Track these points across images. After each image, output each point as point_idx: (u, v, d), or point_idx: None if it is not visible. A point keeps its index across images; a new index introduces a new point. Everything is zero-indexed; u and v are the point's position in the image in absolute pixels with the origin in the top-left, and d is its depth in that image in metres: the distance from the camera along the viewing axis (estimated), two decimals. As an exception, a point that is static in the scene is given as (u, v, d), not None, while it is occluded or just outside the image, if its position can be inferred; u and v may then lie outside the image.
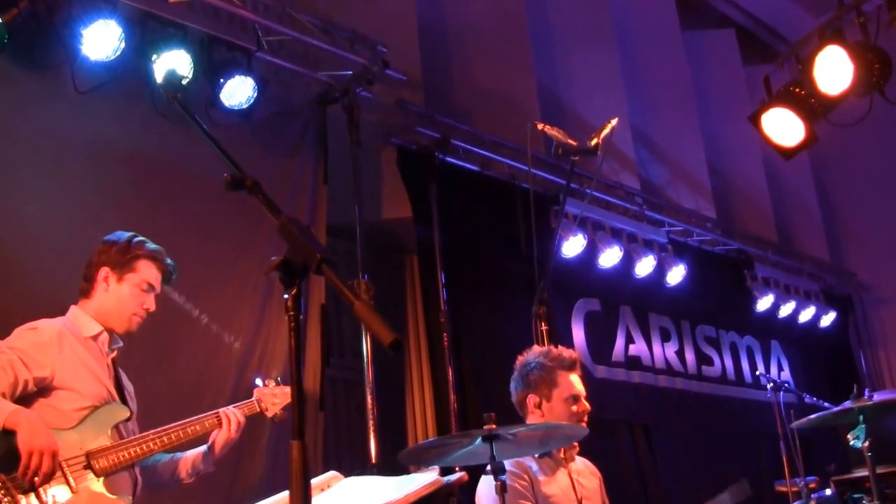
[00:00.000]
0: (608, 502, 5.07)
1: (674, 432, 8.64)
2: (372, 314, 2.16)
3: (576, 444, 4.94)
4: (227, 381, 5.60)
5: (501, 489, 3.77)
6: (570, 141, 5.39)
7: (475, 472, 5.01)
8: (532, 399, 4.84)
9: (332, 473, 2.81)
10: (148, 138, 5.40)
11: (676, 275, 8.75)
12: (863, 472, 5.62)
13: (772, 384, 6.89)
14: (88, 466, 3.86)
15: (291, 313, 2.14)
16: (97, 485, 3.87)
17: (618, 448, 7.81)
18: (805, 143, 6.77)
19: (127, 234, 4.24)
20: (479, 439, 3.82)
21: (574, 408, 4.78)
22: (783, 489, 6.91)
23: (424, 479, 2.58)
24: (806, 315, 10.39)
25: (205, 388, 5.50)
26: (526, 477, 4.65)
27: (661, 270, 8.67)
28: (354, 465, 6.15)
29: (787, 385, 7.16)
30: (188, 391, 5.42)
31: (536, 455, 4.76)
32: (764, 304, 9.80)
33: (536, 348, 5.06)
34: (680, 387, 8.81)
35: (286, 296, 2.13)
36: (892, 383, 11.43)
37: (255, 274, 5.85)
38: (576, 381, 4.85)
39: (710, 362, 9.32)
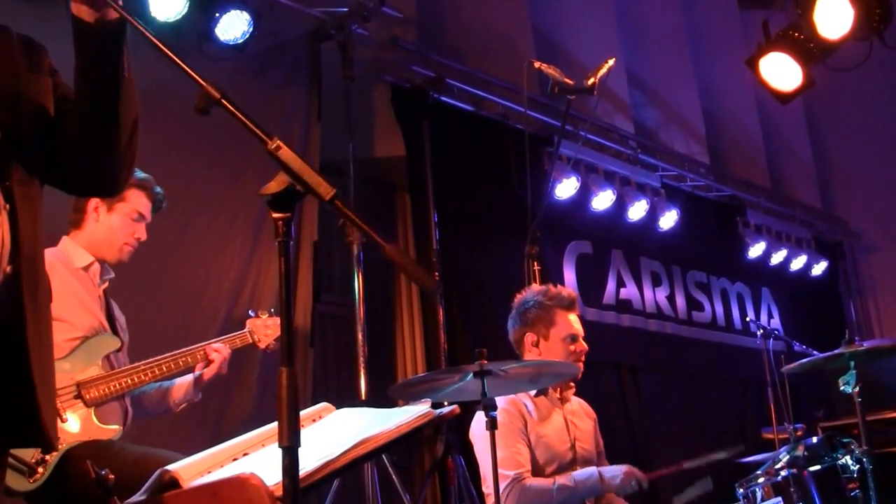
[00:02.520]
0: (602, 444, 5.08)
1: (662, 376, 8.67)
2: (408, 258, 2.14)
3: (572, 384, 4.95)
4: (218, 312, 5.60)
5: (492, 424, 3.77)
6: (567, 80, 5.35)
7: (466, 410, 5.03)
8: (530, 337, 4.83)
9: (323, 405, 2.80)
10: (139, 68, 5.32)
11: (668, 219, 8.73)
12: (851, 419, 5.65)
13: (761, 331, 6.92)
14: (79, 396, 3.88)
15: (281, 239, 2.10)
16: (87, 414, 3.87)
17: (606, 390, 7.84)
18: (802, 88, 6.74)
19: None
20: (470, 375, 3.81)
21: (572, 347, 4.78)
22: (770, 436, 6.95)
23: (417, 410, 2.57)
24: (797, 263, 10.40)
25: (196, 319, 5.50)
26: (519, 415, 4.66)
27: (653, 214, 8.64)
28: (343, 401, 6.13)
29: (776, 332, 7.18)
30: (179, 322, 5.42)
31: (532, 394, 4.77)
32: (755, 250, 9.79)
33: (535, 287, 5.05)
34: (670, 331, 8.83)
35: (276, 216, 2.09)
36: (881, 332, 11.48)
37: (247, 206, 5.83)
38: (574, 320, 4.84)
39: (700, 308, 9.34)
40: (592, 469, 4.65)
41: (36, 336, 2.12)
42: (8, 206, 2.13)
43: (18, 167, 2.19)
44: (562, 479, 4.56)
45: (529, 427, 4.66)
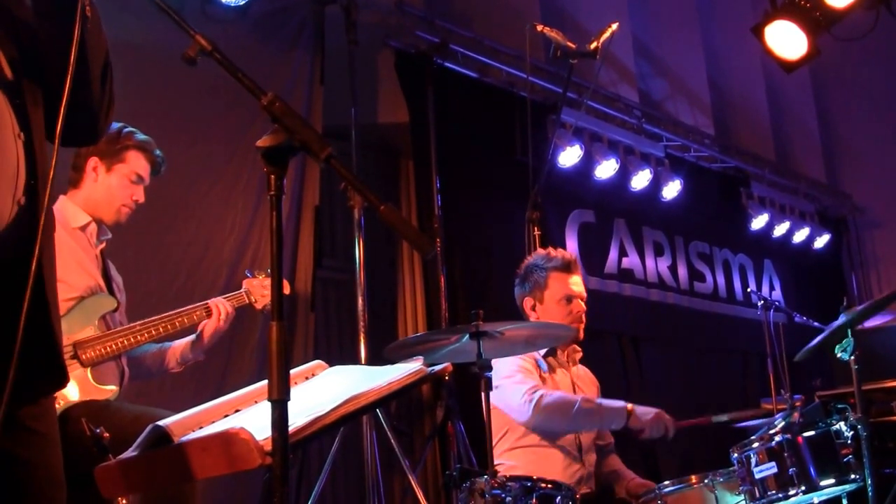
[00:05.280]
0: None
1: (662, 346, 8.68)
2: (404, 220, 2.14)
3: (578, 349, 5.02)
4: (219, 276, 5.59)
5: (486, 385, 3.79)
6: (569, 44, 5.34)
7: (464, 374, 5.05)
8: (528, 302, 4.92)
9: (316, 362, 2.80)
10: (141, 31, 5.31)
11: (672, 189, 8.70)
12: (848, 388, 5.66)
13: (762, 302, 6.90)
14: (75, 357, 3.87)
15: (273, 193, 2.09)
16: (84, 375, 3.88)
17: (606, 360, 7.85)
18: (807, 57, 6.71)
19: (117, 125, 4.19)
20: (466, 336, 3.83)
21: (568, 308, 4.82)
22: (769, 406, 6.96)
23: (409, 368, 2.58)
24: (800, 236, 10.38)
25: (196, 282, 5.50)
26: (536, 365, 4.74)
27: (656, 184, 8.62)
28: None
29: (777, 303, 7.16)
30: (180, 285, 5.42)
31: (542, 353, 4.84)
32: (758, 222, 9.77)
33: (541, 251, 5.11)
34: (671, 301, 8.83)
35: (269, 170, 2.08)
36: (883, 306, 11.45)
37: (249, 171, 5.81)
38: (572, 282, 4.89)
39: (702, 278, 9.33)
40: (621, 402, 4.73)
41: (49, 269, 2.10)
42: (23, 134, 2.09)
43: (30, 85, 2.13)
44: (587, 398, 4.63)
45: (542, 378, 4.75)
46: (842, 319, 4.69)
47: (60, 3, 2.13)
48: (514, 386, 4.62)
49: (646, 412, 4.68)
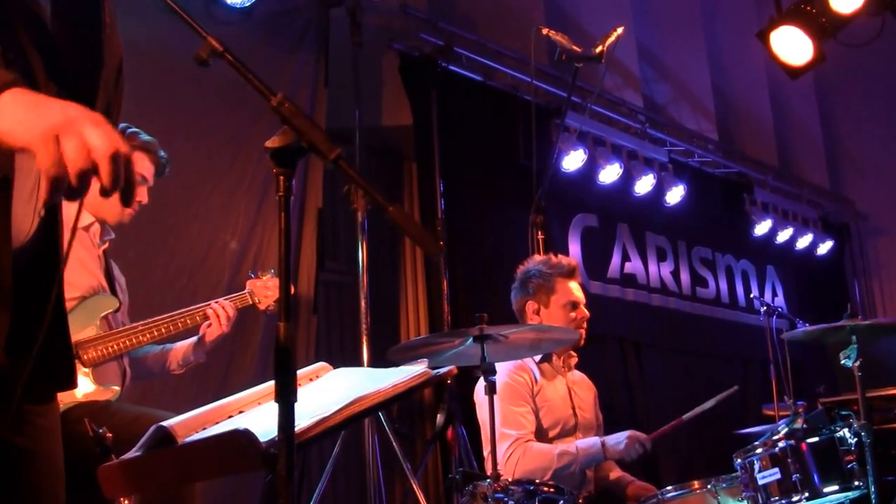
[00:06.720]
0: (601, 417, 5.13)
1: (665, 351, 8.67)
2: (411, 220, 2.12)
3: (574, 354, 5.01)
4: (222, 276, 5.59)
5: (490, 389, 3.78)
6: (574, 47, 5.34)
7: (468, 377, 5.04)
8: (531, 306, 4.91)
9: (320, 364, 2.80)
10: (144, 30, 5.30)
11: (675, 195, 8.69)
12: (851, 395, 5.66)
13: (765, 308, 6.89)
14: (76, 357, 3.85)
15: (282, 194, 2.08)
16: (85, 375, 3.86)
17: (608, 364, 7.84)
18: (813, 63, 6.70)
19: (120, 125, 4.17)
20: (470, 339, 3.83)
21: (572, 314, 4.85)
22: (770, 412, 6.95)
23: (414, 370, 2.57)
24: (803, 242, 10.36)
25: (199, 283, 5.49)
26: (526, 377, 4.72)
27: (660, 189, 8.61)
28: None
29: (780, 309, 7.15)
30: (182, 286, 5.41)
31: (537, 360, 4.83)
32: (762, 228, 9.77)
33: (538, 257, 5.14)
34: (673, 306, 8.82)
35: (277, 171, 2.07)
36: (885, 313, 11.44)
37: (252, 170, 5.81)
38: (574, 288, 4.90)
39: (704, 284, 9.32)
40: (595, 438, 4.71)
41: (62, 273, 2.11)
42: None
43: (47, 91, 2.12)
44: (564, 446, 4.60)
45: (536, 391, 4.73)
46: (843, 322, 4.69)
47: (82, 8, 2.12)
48: (499, 432, 4.57)
49: (617, 441, 4.64)
